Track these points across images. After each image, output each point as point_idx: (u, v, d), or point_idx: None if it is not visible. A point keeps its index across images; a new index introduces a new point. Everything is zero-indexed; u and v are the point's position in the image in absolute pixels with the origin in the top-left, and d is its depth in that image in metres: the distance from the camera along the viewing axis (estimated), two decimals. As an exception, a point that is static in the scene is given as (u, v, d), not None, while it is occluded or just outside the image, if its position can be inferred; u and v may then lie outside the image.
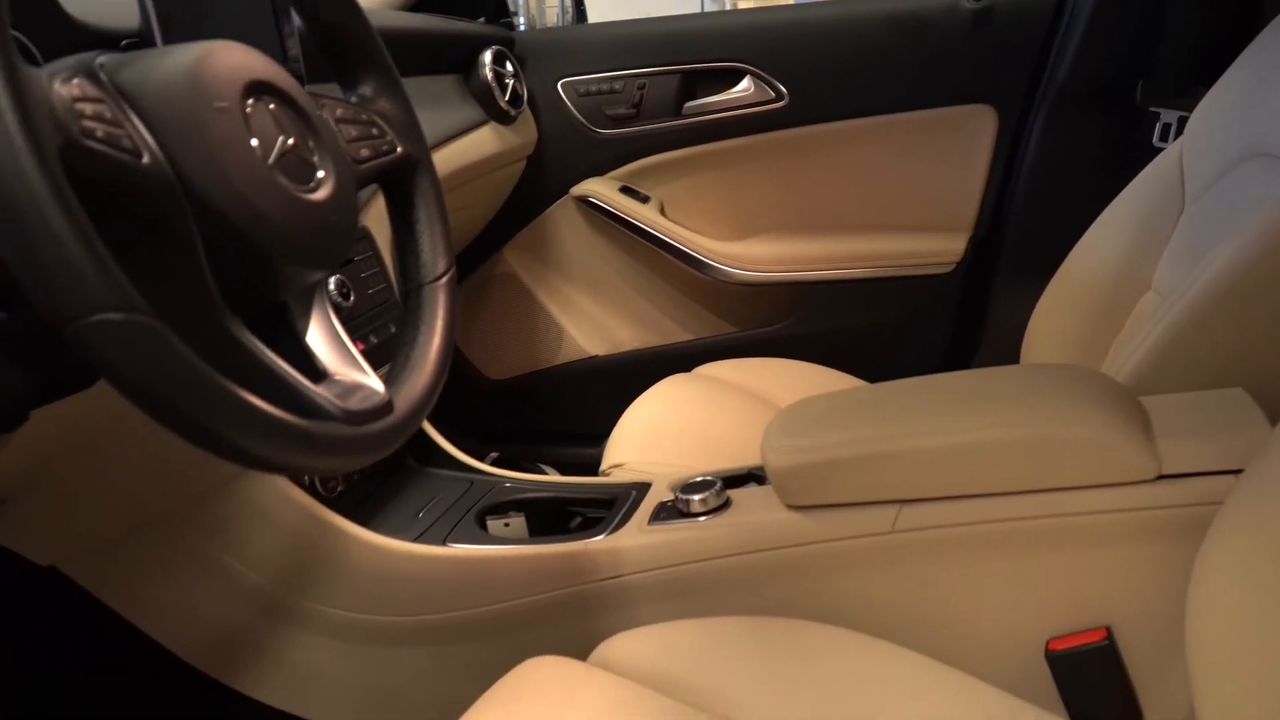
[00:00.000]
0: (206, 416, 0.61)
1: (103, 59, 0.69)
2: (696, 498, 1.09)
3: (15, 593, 1.17)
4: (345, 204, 0.76)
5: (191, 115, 0.67)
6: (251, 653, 1.17)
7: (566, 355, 2.08)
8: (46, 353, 0.73)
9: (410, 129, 0.89)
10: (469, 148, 1.71)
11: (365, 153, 0.84)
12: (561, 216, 2.03)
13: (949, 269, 1.89)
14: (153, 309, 0.59)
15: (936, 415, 0.98)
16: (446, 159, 1.65)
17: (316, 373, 0.75)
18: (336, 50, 0.88)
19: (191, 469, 1.10)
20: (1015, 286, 1.84)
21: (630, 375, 1.90)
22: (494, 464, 1.36)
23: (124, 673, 1.20)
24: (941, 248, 1.89)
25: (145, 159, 0.64)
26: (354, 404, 0.73)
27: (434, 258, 0.88)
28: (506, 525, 1.22)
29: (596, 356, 2.07)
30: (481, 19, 2.09)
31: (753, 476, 1.17)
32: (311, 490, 1.16)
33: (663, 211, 1.99)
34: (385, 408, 0.75)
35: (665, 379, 1.56)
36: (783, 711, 0.86)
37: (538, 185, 2.01)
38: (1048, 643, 0.96)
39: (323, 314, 0.79)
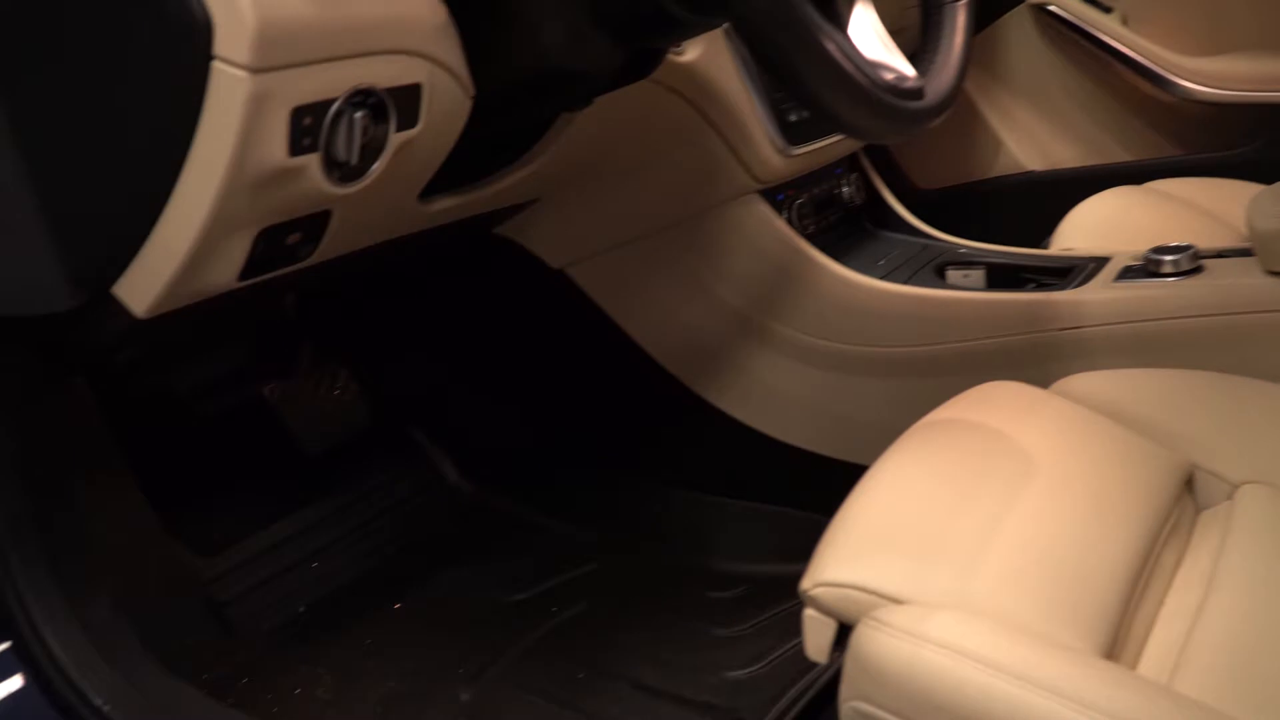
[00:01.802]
0: (805, 61, 0.71)
1: None
2: (1169, 258, 1.10)
3: (531, 292, 1.37)
4: None
5: None
6: (721, 366, 1.32)
7: (1001, 168, 2.07)
8: (642, 29, 0.87)
9: None
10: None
11: None
12: (1015, 26, 2.00)
13: None
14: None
15: None
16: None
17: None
18: None
19: (694, 187, 1.23)
20: None
21: (1066, 193, 1.87)
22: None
23: (611, 373, 1.39)
24: None
25: None
26: (895, 82, 0.81)
27: None
28: (965, 276, 1.28)
29: (1032, 172, 2.05)
30: None
31: (1222, 255, 1.16)
32: (790, 224, 1.27)
33: (1125, 24, 1.91)
34: (919, 93, 0.83)
35: (1112, 189, 1.54)
36: (1251, 463, 0.87)
37: (994, -10, 1.99)
38: None
39: (865, 7, 0.87)
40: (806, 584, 0.72)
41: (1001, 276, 1.28)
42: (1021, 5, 1.97)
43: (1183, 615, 0.74)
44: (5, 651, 0.91)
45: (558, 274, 1.34)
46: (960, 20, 0.93)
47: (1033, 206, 2.05)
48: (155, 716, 0.90)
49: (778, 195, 1.27)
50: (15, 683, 0.90)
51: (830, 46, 0.72)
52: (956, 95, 0.88)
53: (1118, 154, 2.00)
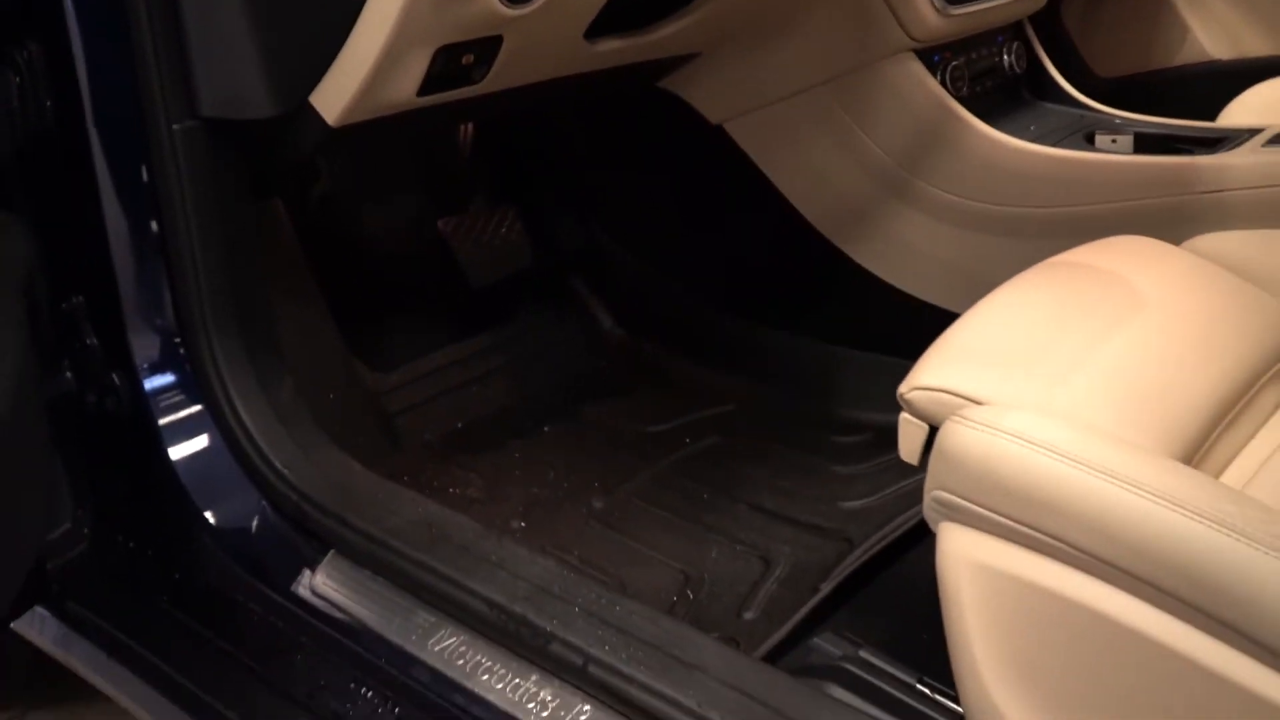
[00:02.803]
0: None
1: None
2: (1328, 127, 1.09)
3: (690, 147, 1.44)
4: None
5: None
6: (865, 223, 1.36)
7: (1186, 56, 2.00)
8: None
9: None
10: None
11: None
12: (1214, -94, 1.92)
13: None
14: None
15: None
16: None
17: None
18: None
19: (851, 42, 1.27)
20: None
21: (1252, 82, 1.80)
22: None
23: (759, 227, 1.45)
24: None
25: None
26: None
27: None
28: (1114, 141, 1.28)
29: (1218, 61, 1.97)
30: None
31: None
32: (943, 86, 1.29)
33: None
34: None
35: None
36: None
37: None
38: None
39: None
40: (903, 388, 0.78)
41: (1150, 143, 1.27)
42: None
43: (1268, 446, 0.77)
44: (200, 413, 1.05)
45: (716, 129, 1.40)
46: None
47: (1217, 97, 1.98)
48: (326, 481, 1.02)
49: (934, 56, 1.29)
50: (203, 441, 1.04)
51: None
52: None
53: (1314, 46, 1.90)
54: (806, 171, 1.37)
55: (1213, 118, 1.67)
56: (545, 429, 1.43)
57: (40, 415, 1.00)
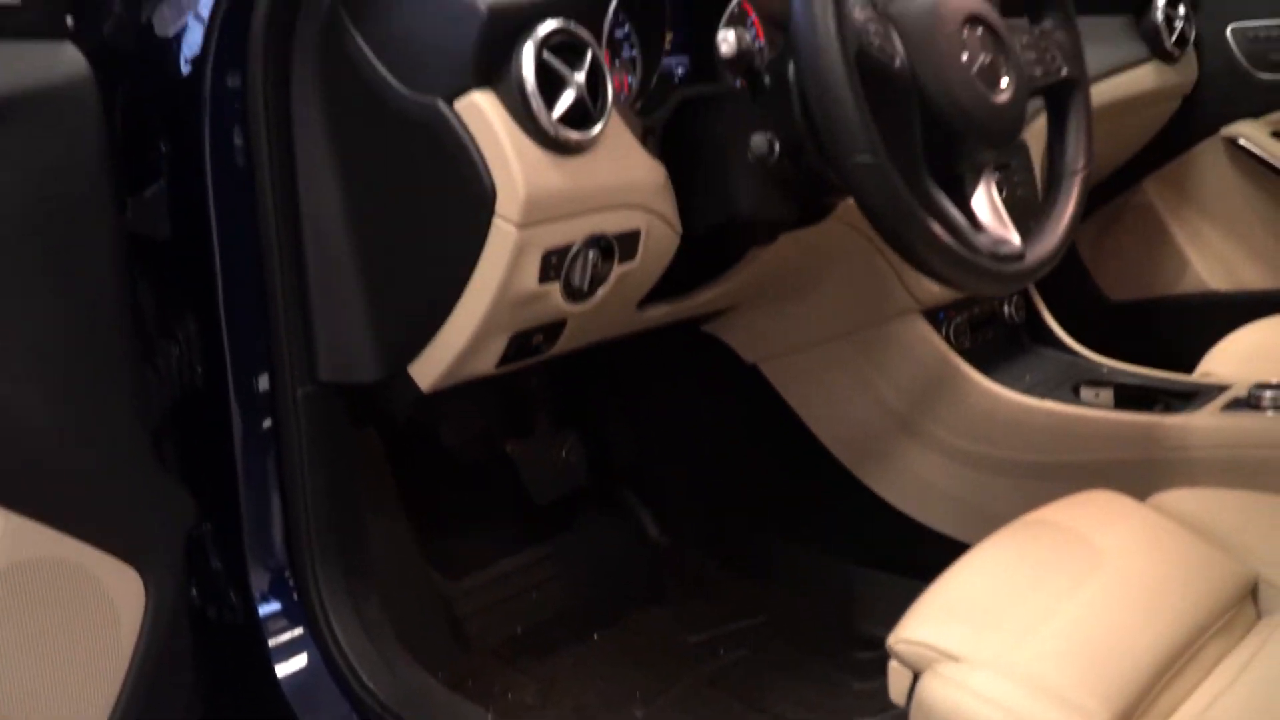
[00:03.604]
0: (907, 234, 0.95)
1: None
2: (1269, 394, 1.25)
3: (728, 381, 1.64)
4: (1018, 105, 1.06)
5: (929, 35, 1.01)
6: (881, 456, 1.54)
7: (1187, 286, 2.19)
8: (810, 191, 1.12)
9: (1075, 56, 1.16)
10: (1128, 83, 1.90)
11: (1039, 71, 1.12)
12: (1208, 155, 2.13)
13: None
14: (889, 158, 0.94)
15: None
16: (1104, 91, 1.85)
17: (975, 224, 1.06)
18: None
19: (866, 304, 1.47)
20: None
21: (1246, 313, 1.98)
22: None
23: (789, 454, 1.63)
24: None
25: (897, 63, 0.99)
26: (998, 249, 1.03)
27: (1076, 156, 1.15)
28: (1096, 395, 1.46)
29: (1217, 291, 2.16)
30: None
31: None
32: (947, 340, 1.48)
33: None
34: (1019, 256, 1.05)
35: (1271, 317, 1.66)
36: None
37: (1188, 123, 2.12)
38: None
39: (986, 186, 1.09)
40: (891, 639, 0.95)
41: (1130, 395, 1.45)
42: (1214, 136, 2.10)
43: (1207, 697, 0.91)
44: (302, 634, 1.22)
45: (750, 367, 1.60)
46: (1074, 192, 1.13)
47: (1214, 325, 2.15)
48: (407, 698, 1.18)
49: (939, 314, 1.49)
50: (303, 659, 1.21)
51: (932, 223, 0.96)
52: (1058, 257, 1.09)
53: (1306, 280, 2.08)
54: (828, 408, 1.55)
55: (1208, 346, 1.85)
56: (595, 636, 1.58)
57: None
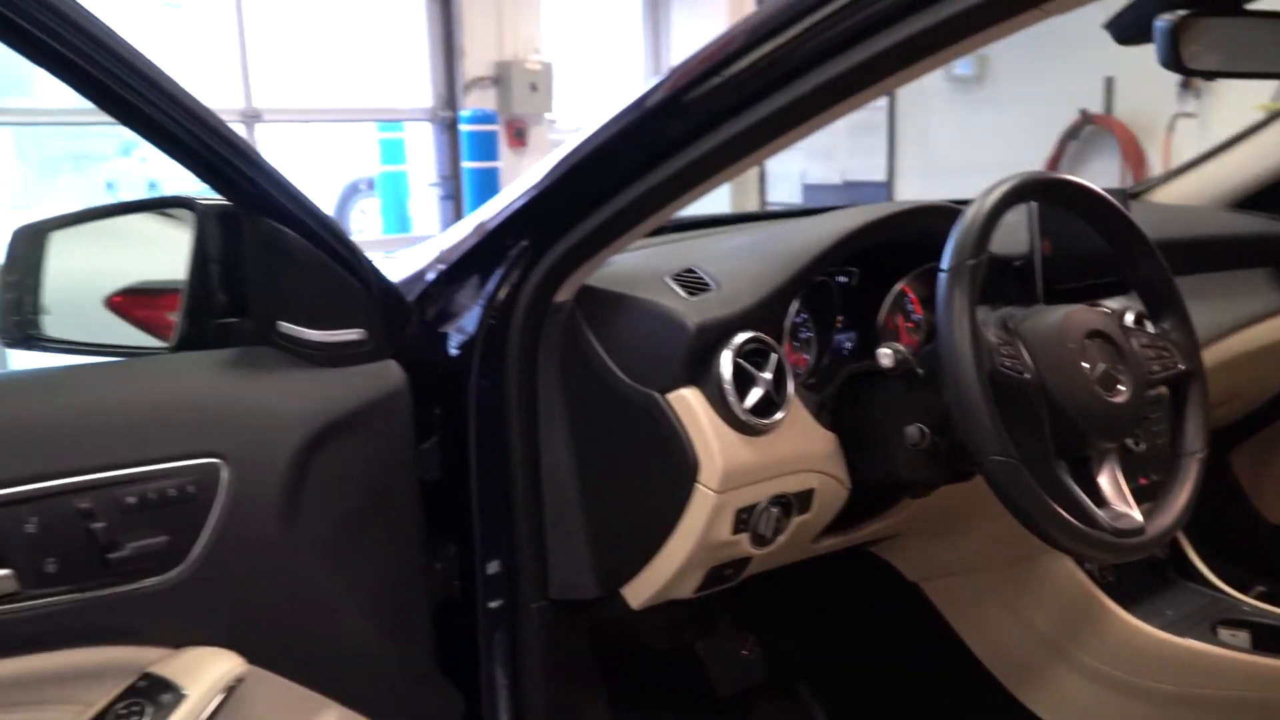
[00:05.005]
0: (1038, 518, 1.17)
1: (1007, 311, 1.29)
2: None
3: (890, 595, 1.84)
4: (1135, 404, 1.27)
5: (1054, 350, 1.24)
6: (1032, 677, 1.70)
7: (1349, 514, 2.26)
8: (956, 464, 1.35)
9: (1192, 353, 1.36)
10: (1266, 332, 2.04)
11: (1156, 369, 1.33)
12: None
13: None
14: (1018, 455, 1.16)
15: None
16: (1258, 335, 2.00)
17: (1100, 500, 1.26)
18: (1149, 299, 1.38)
19: (1018, 540, 1.66)
20: None
21: None
22: (1258, 598, 1.72)
23: (945, 667, 1.81)
24: None
25: (1028, 375, 1.22)
26: (1119, 524, 1.23)
27: (1194, 439, 1.34)
28: (1234, 636, 1.59)
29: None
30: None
31: None
32: (1090, 575, 1.66)
33: None
34: (1139, 530, 1.24)
35: None
36: None
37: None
38: None
39: (1110, 466, 1.29)
40: None
41: (1267, 637, 1.57)
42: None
43: None
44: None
45: (913, 585, 1.80)
46: (1193, 471, 1.32)
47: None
48: None
49: (1084, 553, 1.67)
50: None
51: (1057, 508, 1.17)
52: (1176, 529, 1.27)
53: None
54: (985, 629, 1.73)
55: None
56: None
57: None
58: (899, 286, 1.55)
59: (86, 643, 0.98)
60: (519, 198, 1.27)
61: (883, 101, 7.19)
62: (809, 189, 7.79)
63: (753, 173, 8.02)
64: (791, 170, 7.85)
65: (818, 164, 7.68)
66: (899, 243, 1.52)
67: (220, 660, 1.02)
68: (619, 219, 1.19)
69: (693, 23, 8.54)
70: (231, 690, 1.01)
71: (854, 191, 7.47)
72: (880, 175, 7.49)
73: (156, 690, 0.99)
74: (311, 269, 1.12)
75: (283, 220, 1.09)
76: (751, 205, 8.08)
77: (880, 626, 1.93)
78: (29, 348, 1.21)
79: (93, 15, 0.94)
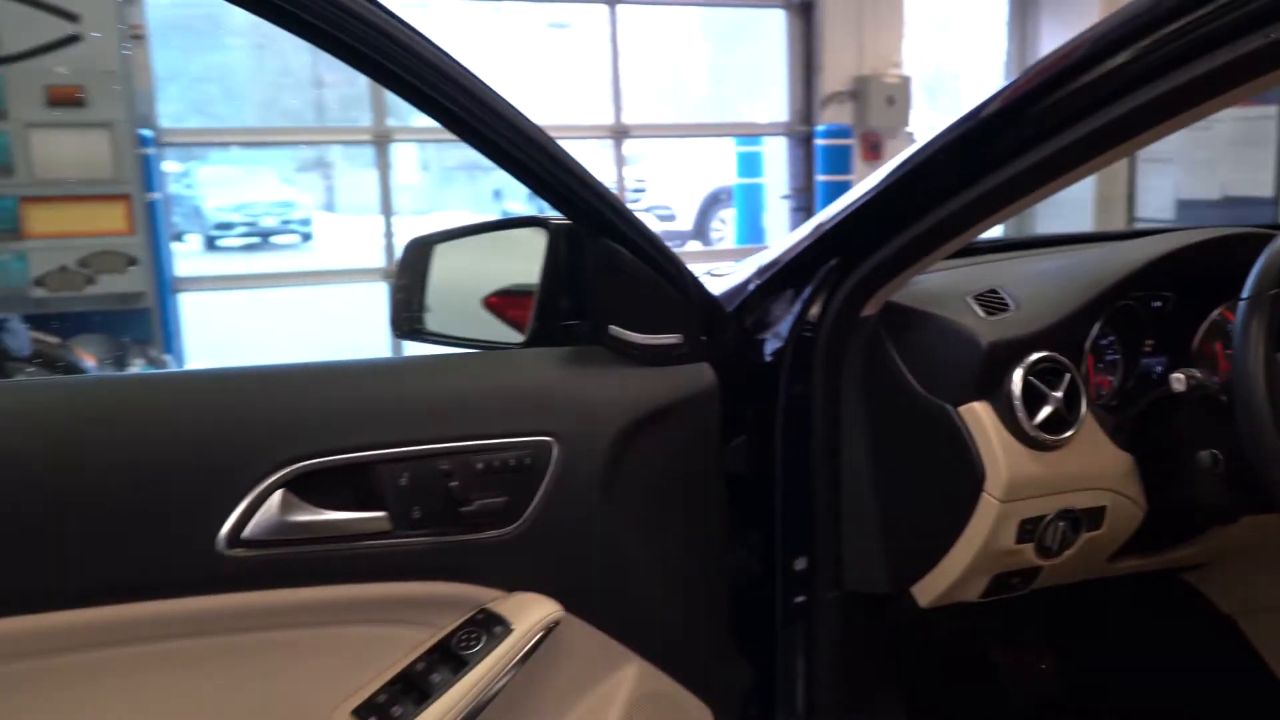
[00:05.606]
0: None
1: None
2: None
3: (1199, 625, 1.80)
4: None
5: None
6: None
7: None
8: (1258, 493, 1.33)
9: None
10: None
11: None
12: None
13: None
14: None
15: None
16: None
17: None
18: None
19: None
20: None
21: None
22: None
23: (1260, 710, 1.74)
24: None
25: None
26: None
27: None
28: None
29: None
30: None
31: None
32: None
33: None
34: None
35: None
36: None
37: None
38: None
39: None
40: None
41: None
42: None
43: None
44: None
45: (1228, 619, 1.75)
46: None
47: None
48: None
49: None
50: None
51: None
52: None
53: None
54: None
55: None
56: None
57: None
58: (1218, 312, 1.53)
59: (439, 578, 1.20)
60: (832, 216, 1.39)
61: (1272, 110, 6.59)
62: (1183, 204, 7.28)
63: (1120, 189, 7.60)
64: (1164, 185, 7.37)
65: (1194, 178, 7.16)
66: (1222, 268, 1.51)
67: (543, 605, 1.22)
68: (927, 237, 1.28)
69: (1064, 33, 8.21)
70: (550, 630, 1.21)
71: (1235, 208, 6.89)
72: (1267, 190, 6.87)
73: (491, 623, 1.20)
74: (640, 281, 1.30)
75: (618, 239, 1.28)
76: (1118, 223, 7.65)
77: (1189, 658, 1.88)
78: (414, 339, 1.48)
79: (460, 65, 1.15)
